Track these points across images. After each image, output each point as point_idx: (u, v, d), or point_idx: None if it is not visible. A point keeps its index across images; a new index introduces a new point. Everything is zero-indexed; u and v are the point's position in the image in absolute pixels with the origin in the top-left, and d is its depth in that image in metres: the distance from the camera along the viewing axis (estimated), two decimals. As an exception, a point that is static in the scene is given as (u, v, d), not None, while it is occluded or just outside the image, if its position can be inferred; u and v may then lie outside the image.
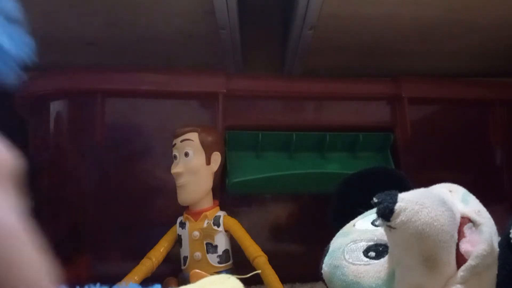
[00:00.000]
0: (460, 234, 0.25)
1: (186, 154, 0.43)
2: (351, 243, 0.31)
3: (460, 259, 0.24)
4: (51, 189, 0.50)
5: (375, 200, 0.25)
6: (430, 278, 0.24)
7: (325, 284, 0.32)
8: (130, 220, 0.49)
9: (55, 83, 0.49)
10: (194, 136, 0.43)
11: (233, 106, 0.51)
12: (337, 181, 0.41)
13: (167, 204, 0.49)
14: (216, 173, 0.45)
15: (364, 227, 0.33)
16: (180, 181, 0.43)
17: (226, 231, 0.43)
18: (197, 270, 0.37)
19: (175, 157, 0.44)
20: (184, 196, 0.43)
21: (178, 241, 0.44)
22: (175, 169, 0.43)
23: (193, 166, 0.43)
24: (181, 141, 0.43)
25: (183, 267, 0.43)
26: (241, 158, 0.51)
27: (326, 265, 0.32)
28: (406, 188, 0.26)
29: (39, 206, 0.52)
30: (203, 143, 0.43)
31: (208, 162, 0.44)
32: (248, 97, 0.52)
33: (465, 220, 0.26)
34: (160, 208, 0.50)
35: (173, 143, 0.44)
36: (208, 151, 0.44)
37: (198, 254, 0.42)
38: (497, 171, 0.58)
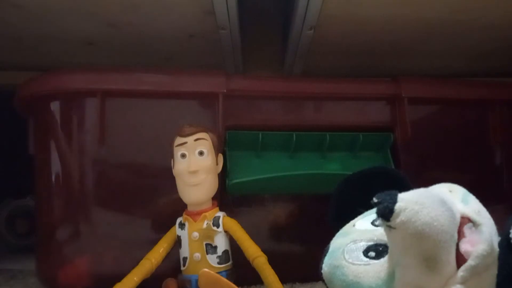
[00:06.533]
0: (460, 234, 0.25)
1: (201, 153, 0.43)
2: (351, 243, 0.31)
3: (460, 259, 0.24)
4: (51, 189, 0.50)
5: (375, 200, 0.25)
6: (430, 278, 0.24)
7: (325, 284, 0.32)
8: (129, 220, 0.49)
9: (55, 83, 0.49)
10: (206, 135, 0.44)
11: (233, 106, 0.51)
12: (337, 181, 0.41)
13: (167, 204, 0.49)
14: (218, 174, 0.45)
15: (364, 227, 0.33)
16: (194, 180, 0.42)
17: (225, 231, 0.43)
18: (207, 270, 0.37)
19: (183, 155, 0.43)
20: (199, 195, 0.43)
21: (178, 242, 0.44)
22: (192, 167, 0.42)
23: (209, 165, 0.43)
24: (195, 140, 0.43)
25: (182, 268, 0.43)
26: (241, 158, 0.51)
27: (326, 265, 0.32)
28: (406, 188, 0.26)
29: (39, 206, 0.52)
30: (213, 143, 0.44)
31: (216, 162, 0.44)
32: (248, 97, 0.52)
33: (465, 220, 0.26)
34: (160, 208, 0.49)
35: (182, 141, 0.43)
36: (216, 151, 0.44)
37: (197, 255, 0.42)
38: (497, 171, 0.58)
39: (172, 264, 0.45)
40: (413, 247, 0.24)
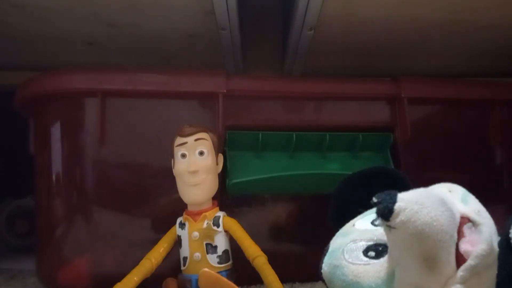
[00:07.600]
0: (460, 234, 0.25)
1: (201, 153, 0.43)
2: (351, 243, 0.31)
3: (460, 259, 0.24)
4: (51, 189, 0.50)
5: (375, 200, 0.25)
6: (430, 278, 0.24)
7: (325, 284, 0.32)
8: (129, 220, 0.49)
9: (55, 83, 0.49)
10: (207, 135, 0.44)
11: (233, 106, 0.51)
12: (337, 181, 0.41)
13: (167, 204, 0.49)
14: (218, 174, 0.45)
15: (364, 227, 0.33)
16: (194, 180, 0.42)
17: (225, 231, 0.43)
18: (207, 269, 0.37)
19: (183, 155, 0.43)
20: (199, 195, 0.43)
21: (178, 241, 0.44)
22: (192, 167, 0.42)
23: (209, 165, 0.43)
24: (195, 140, 0.43)
25: (182, 268, 0.43)
26: (241, 158, 0.51)
27: (326, 265, 0.32)
28: (406, 188, 0.26)
29: (39, 206, 0.52)
30: (213, 143, 0.44)
31: (216, 162, 0.44)
32: (248, 97, 0.52)
33: (465, 220, 0.26)
34: (160, 208, 0.49)
35: (182, 141, 0.43)
36: (216, 151, 0.44)
37: (197, 254, 0.42)
38: (497, 171, 0.58)
39: (172, 264, 0.45)
40: (413, 247, 0.24)
